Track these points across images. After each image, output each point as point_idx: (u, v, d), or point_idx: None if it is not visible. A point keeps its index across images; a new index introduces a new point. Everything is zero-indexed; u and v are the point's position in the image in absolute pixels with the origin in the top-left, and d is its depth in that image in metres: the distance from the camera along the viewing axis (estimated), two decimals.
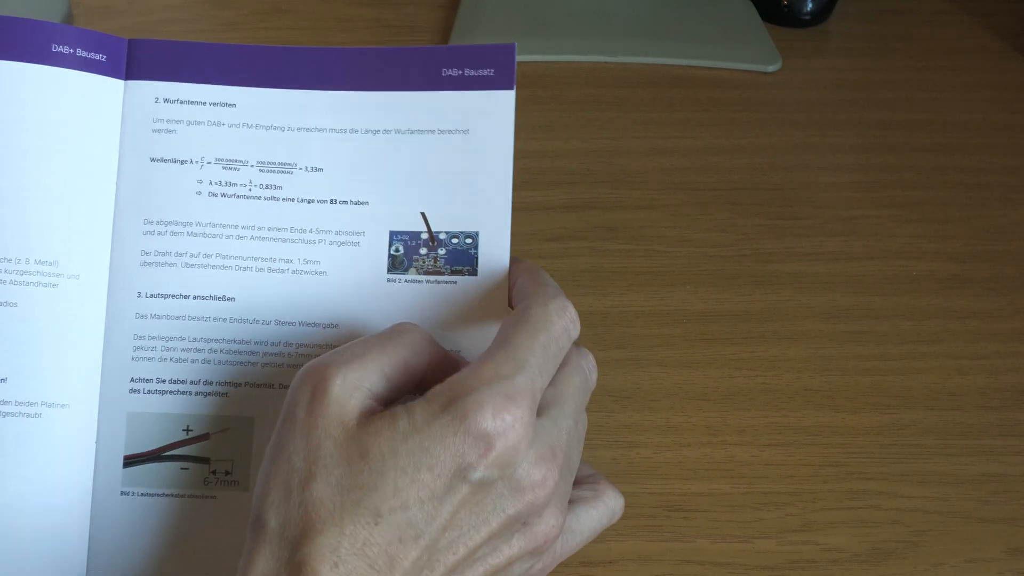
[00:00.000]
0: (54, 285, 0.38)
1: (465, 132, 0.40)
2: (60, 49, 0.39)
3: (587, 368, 0.37)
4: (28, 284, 0.38)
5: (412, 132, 0.40)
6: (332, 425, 0.32)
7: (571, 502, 0.36)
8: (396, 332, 0.35)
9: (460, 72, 0.40)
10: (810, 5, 0.86)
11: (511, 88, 0.40)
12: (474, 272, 0.39)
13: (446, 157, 0.40)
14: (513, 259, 0.40)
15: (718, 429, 0.51)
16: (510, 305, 0.39)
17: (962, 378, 0.54)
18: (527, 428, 0.32)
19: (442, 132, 0.40)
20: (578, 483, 0.38)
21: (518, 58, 0.81)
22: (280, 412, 0.34)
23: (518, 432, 0.32)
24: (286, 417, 0.33)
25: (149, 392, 0.39)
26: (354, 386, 0.33)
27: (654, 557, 0.45)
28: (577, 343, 0.37)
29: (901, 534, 0.46)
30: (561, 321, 0.35)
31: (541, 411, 0.34)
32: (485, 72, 0.40)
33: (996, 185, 0.69)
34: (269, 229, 0.39)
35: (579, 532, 0.37)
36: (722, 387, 0.53)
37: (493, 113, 0.40)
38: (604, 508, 0.38)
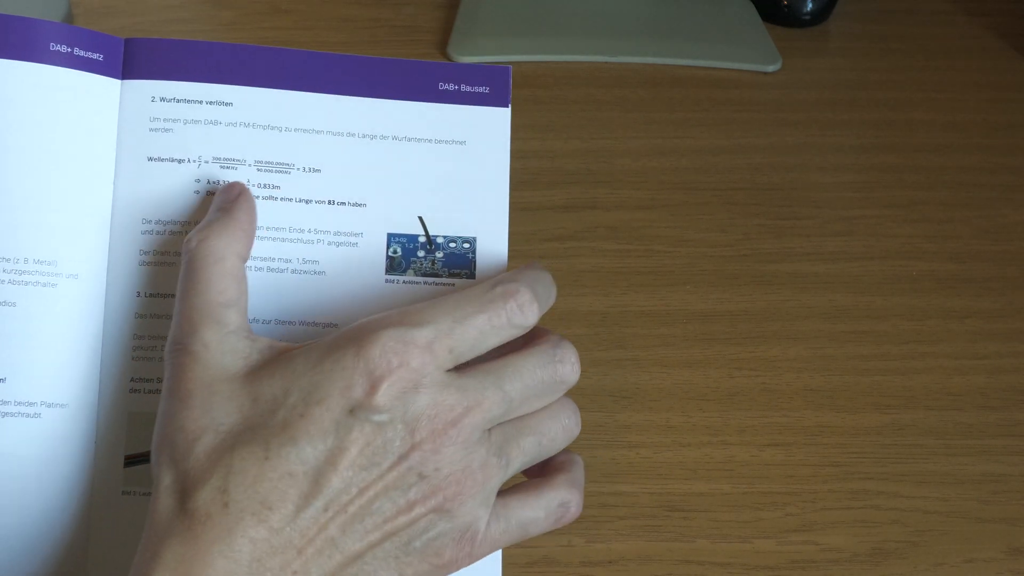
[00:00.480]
0: (53, 285, 0.38)
1: (462, 143, 0.41)
2: (58, 48, 0.39)
3: (556, 357, 0.35)
4: (27, 284, 0.38)
5: (409, 140, 0.41)
6: (215, 383, 0.32)
7: (512, 490, 0.35)
8: (193, 259, 0.35)
9: (456, 87, 0.41)
10: (810, 5, 0.86)
11: (506, 106, 0.41)
12: (472, 275, 0.40)
13: (443, 165, 0.40)
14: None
15: (718, 429, 0.51)
16: None
17: (962, 378, 0.54)
18: (415, 375, 0.32)
19: (439, 142, 0.41)
20: (539, 472, 0.37)
21: (518, 58, 0.81)
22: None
23: (405, 377, 0.32)
24: (165, 393, 0.33)
25: (150, 392, 0.39)
26: (217, 340, 0.33)
27: (654, 557, 0.45)
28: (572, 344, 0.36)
29: (901, 534, 0.46)
30: (504, 304, 0.34)
31: (467, 371, 0.33)
32: (480, 89, 0.41)
33: (996, 185, 0.69)
34: (267, 228, 0.39)
35: (506, 519, 0.35)
36: (722, 387, 0.53)
37: (489, 128, 0.41)
38: (541, 500, 0.35)
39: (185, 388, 0.33)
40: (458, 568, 0.34)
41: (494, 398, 0.33)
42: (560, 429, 0.36)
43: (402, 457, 0.32)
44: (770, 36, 0.84)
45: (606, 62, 0.81)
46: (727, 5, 0.89)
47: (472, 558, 0.34)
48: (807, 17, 0.87)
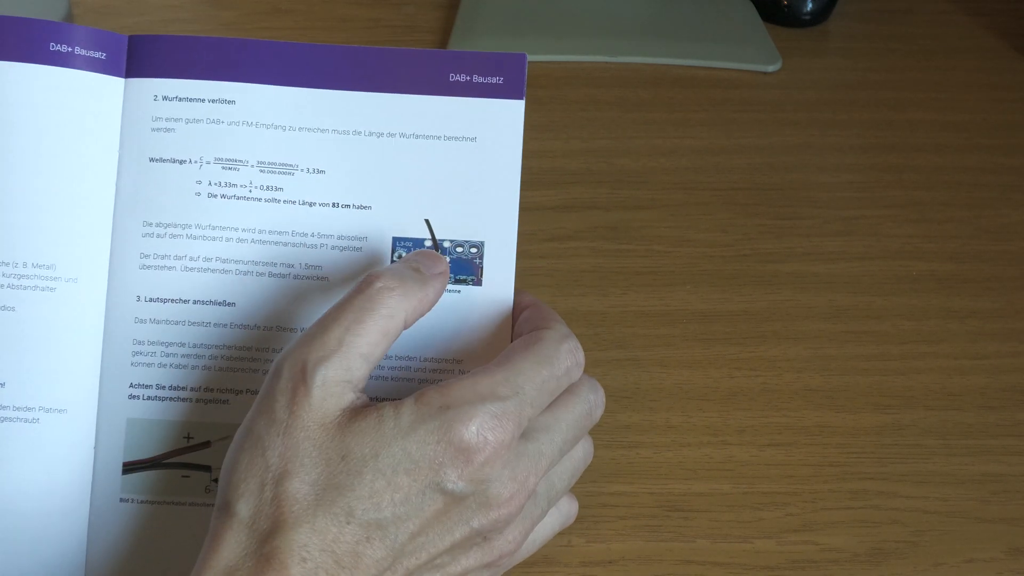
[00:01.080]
0: (52, 289, 0.38)
1: (472, 140, 0.39)
2: (58, 48, 0.39)
3: (594, 402, 0.38)
4: (26, 288, 0.38)
5: (417, 137, 0.39)
6: (312, 426, 0.33)
7: None
8: (368, 299, 0.34)
9: (468, 78, 0.40)
10: (810, 5, 0.86)
11: (520, 98, 0.40)
12: (478, 282, 0.39)
13: (452, 164, 0.39)
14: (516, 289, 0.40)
15: (718, 429, 0.51)
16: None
17: (962, 378, 0.54)
18: (506, 450, 0.33)
19: (448, 138, 0.39)
20: None
21: None
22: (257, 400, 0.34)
23: (497, 452, 0.33)
24: (263, 410, 0.33)
25: (148, 398, 0.39)
26: (336, 382, 0.33)
27: (654, 557, 0.45)
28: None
29: (901, 534, 0.46)
30: (567, 362, 0.36)
31: (529, 434, 0.35)
32: (493, 80, 0.40)
33: (996, 185, 0.69)
34: (270, 232, 0.39)
35: (532, 541, 0.38)
36: (722, 387, 0.53)
37: (501, 122, 0.40)
38: (556, 514, 0.39)
39: (284, 420, 0.33)
40: None
41: (553, 458, 0.36)
42: (583, 459, 0.39)
43: (471, 525, 0.34)
44: (770, 36, 0.84)
45: (606, 62, 0.81)
46: (727, 5, 0.89)
47: None
48: (807, 17, 0.87)
